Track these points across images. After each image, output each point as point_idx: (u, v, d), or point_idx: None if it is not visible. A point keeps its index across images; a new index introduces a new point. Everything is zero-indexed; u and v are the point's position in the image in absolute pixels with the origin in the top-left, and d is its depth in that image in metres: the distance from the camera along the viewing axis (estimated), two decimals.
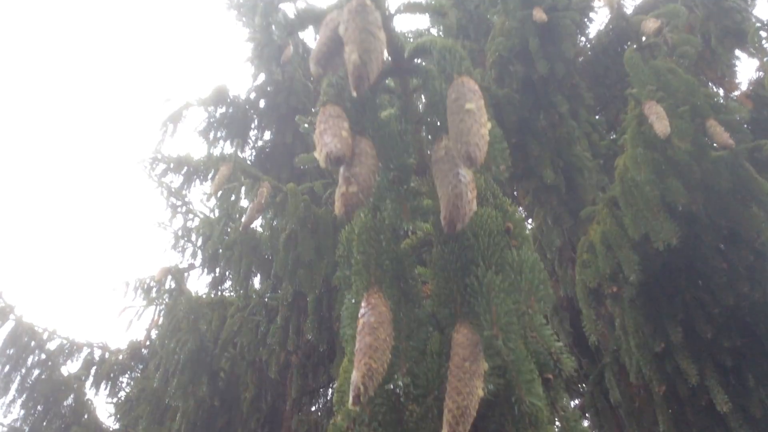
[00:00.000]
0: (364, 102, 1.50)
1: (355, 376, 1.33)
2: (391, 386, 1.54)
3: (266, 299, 5.58)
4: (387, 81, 1.71)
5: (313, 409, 6.48)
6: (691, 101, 3.23)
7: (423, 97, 1.67)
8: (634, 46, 3.44)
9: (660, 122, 2.81)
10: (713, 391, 3.17)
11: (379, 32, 1.26)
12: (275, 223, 4.55)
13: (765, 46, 4.59)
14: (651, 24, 3.27)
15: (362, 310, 1.46)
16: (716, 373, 3.29)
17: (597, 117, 5.54)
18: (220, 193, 5.73)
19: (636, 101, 3.10)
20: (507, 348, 1.46)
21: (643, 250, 3.50)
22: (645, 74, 3.17)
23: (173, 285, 6.27)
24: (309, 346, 5.50)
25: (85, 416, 6.54)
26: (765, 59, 4.83)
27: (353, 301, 1.64)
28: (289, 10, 6.96)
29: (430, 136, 1.50)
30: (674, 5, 3.39)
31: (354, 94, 1.17)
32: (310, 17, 1.47)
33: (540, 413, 1.57)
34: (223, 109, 7.04)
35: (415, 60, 1.65)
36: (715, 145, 3.24)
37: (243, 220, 4.32)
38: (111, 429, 6.44)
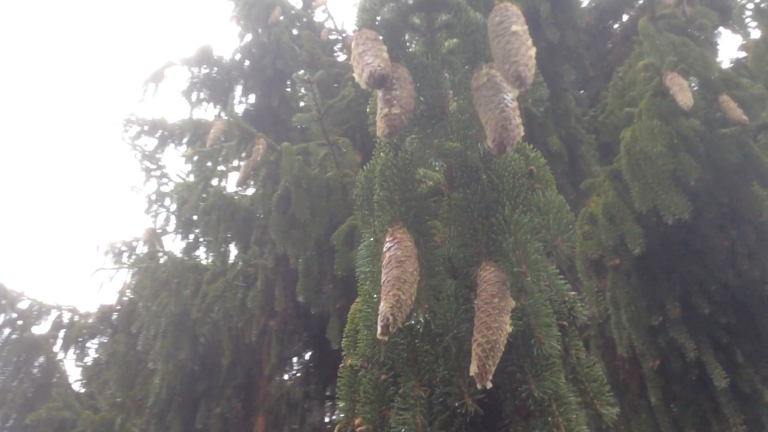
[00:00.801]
0: (396, 28, 1.44)
1: (383, 307, 1.29)
2: (412, 322, 1.50)
3: (247, 266, 5.48)
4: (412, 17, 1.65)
5: (286, 378, 6.46)
6: (704, 75, 3.20)
7: (450, 35, 1.62)
8: (647, 17, 3.39)
9: (683, 94, 2.78)
10: (710, 365, 3.18)
11: None
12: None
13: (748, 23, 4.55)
14: None
15: (387, 245, 1.42)
16: (711, 348, 3.30)
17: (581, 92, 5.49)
18: (196, 158, 5.65)
19: (655, 71, 3.06)
20: (535, 286, 1.43)
21: (642, 224, 3.49)
22: (661, 45, 3.13)
23: (151, 248, 6.15)
24: (285, 314, 5.45)
25: (57, 376, 6.47)
26: (748, 38, 4.77)
27: (372, 239, 1.60)
28: None
29: (467, 66, 1.44)
30: None
31: None
32: None
33: (557, 357, 1.55)
34: (207, 70, 6.83)
35: None
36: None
37: (238, 177, 4.25)
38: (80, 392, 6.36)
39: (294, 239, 4.39)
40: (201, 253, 6.70)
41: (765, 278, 3.41)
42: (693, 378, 3.42)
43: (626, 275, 3.67)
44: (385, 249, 1.41)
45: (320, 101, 4.45)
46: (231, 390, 5.71)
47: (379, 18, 1.46)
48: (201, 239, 6.84)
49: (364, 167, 1.67)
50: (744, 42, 4.51)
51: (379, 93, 1.29)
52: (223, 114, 6.78)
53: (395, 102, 1.26)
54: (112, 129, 6.57)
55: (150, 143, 6.78)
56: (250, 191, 5.74)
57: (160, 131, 6.80)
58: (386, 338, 1.27)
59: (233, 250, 5.95)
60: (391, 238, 1.42)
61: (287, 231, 4.38)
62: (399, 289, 1.31)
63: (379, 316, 1.29)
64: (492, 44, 1.24)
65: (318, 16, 7.13)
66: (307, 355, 6.38)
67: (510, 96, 1.21)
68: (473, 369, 1.32)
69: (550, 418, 1.49)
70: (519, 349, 1.53)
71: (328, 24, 6.46)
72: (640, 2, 5.68)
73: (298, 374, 6.46)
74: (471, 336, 1.54)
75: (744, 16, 4.50)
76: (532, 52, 1.17)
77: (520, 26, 1.21)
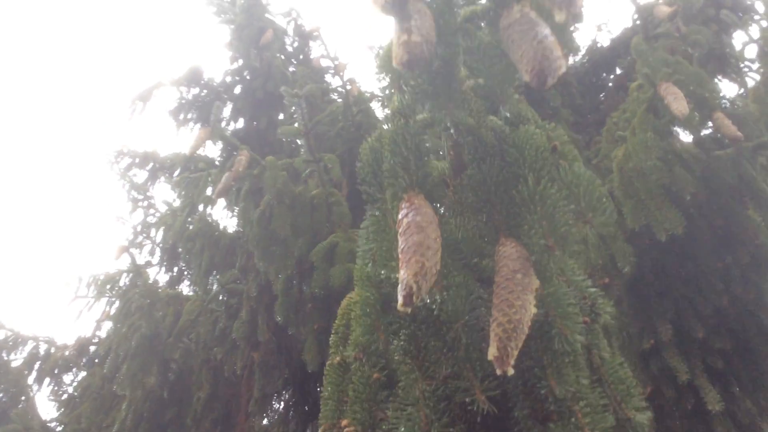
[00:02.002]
0: None
1: (405, 274, 1.12)
2: (427, 300, 1.34)
3: (227, 292, 5.29)
4: None
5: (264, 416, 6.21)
6: (698, 93, 3.15)
7: None
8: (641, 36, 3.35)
9: (678, 102, 2.71)
10: (704, 389, 3.04)
11: None
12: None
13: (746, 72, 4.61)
14: (665, 8, 3.20)
15: (404, 211, 1.25)
16: (705, 373, 3.17)
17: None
18: (185, 183, 5.51)
19: (648, 83, 2.99)
20: (562, 264, 1.29)
21: (634, 245, 3.39)
22: (655, 59, 3.08)
23: (129, 268, 5.93)
24: (267, 347, 5.26)
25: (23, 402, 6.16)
26: (745, 86, 4.83)
27: (378, 213, 1.44)
28: None
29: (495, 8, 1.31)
30: None
31: None
32: None
33: (579, 353, 1.40)
34: (197, 90, 6.75)
35: None
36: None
37: (218, 187, 4.06)
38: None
39: (274, 256, 4.20)
40: (184, 287, 6.61)
41: (760, 304, 3.32)
42: (688, 407, 3.28)
43: (617, 301, 3.56)
44: (400, 216, 1.25)
45: (307, 116, 4.32)
46: (208, 423, 5.46)
47: None
48: (185, 272, 6.71)
49: (369, 138, 1.53)
50: (741, 90, 4.55)
51: (396, 23, 1.14)
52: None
53: (415, 30, 1.12)
54: (102, 160, 6.45)
55: (140, 175, 6.74)
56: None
57: (152, 163, 6.69)
58: (408, 310, 1.09)
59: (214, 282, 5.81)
60: (408, 204, 1.26)
61: (268, 248, 4.20)
62: (422, 255, 1.14)
63: (399, 285, 1.12)
64: None
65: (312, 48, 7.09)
66: (287, 394, 6.15)
67: (548, 30, 1.08)
68: (492, 352, 1.15)
69: (573, 420, 1.34)
70: (536, 342, 1.38)
71: (321, 50, 6.40)
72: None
73: (277, 414, 6.21)
74: (483, 325, 1.39)
75: (742, 65, 4.55)
76: None
77: None
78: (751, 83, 4.53)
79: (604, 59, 6.31)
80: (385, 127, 1.54)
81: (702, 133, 3.34)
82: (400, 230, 1.23)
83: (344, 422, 1.50)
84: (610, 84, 6.31)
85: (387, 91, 1.62)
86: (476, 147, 1.52)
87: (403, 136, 1.39)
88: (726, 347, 3.27)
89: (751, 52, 4.55)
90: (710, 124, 3.20)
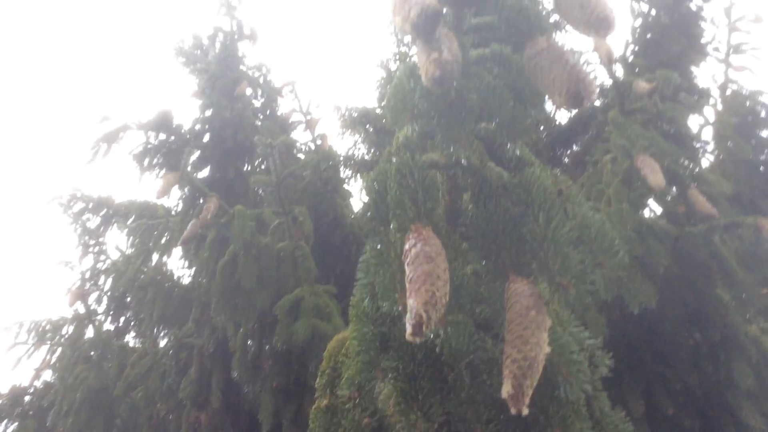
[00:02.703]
0: None
1: (414, 303, 1.05)
2: (431, 336, 1.26)
3: (179, 347, 5.07)
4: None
5: None
6: (673, 168, 3.22)
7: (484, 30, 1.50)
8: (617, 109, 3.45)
9: (655, 175, 2.76)
10: None
11: None
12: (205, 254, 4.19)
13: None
14: (644, 84, 3.31)
15: (411, 241, 1.20)
16: None
17: None
18: (141, 229, 5.37)
19: (625, 154, 3.05)
20: (561, 314, 1.24)
21: (606, 316, 3.38)
22: (632, 132, 3.15)
23: (75, 315, 5.65)
24: (214, 407, 5.02)
25: None
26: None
27: (379, 246, 1.38)
28: (245, 48, 6.77)
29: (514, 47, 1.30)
30: (667, 71, 3.48)
31: None
32: None
33: (583, 404, 1.34)
34: (164, 136, 6.63)
35: None
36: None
37: (184, 234, 3.94)
38: None
39: (236, 309, 4.06)
40: (130, 339, 6.35)
41: (729, 383, 3.31)
42: None
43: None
44: (407, 247, 1.19)
45: (280, 167, 4.28)
46: None
47: None
48: (132, 323, 6.45)
49: (373, 171, 1.48)
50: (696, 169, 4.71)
51: (422, 43, 1.12)
52: None
53: (445, 49, 1.09)
54: (54, 203, 6.22)
55: (93, 220, 6.49)
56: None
57: (106, 209, 6.51)
58: (418, 340, 1.03)
59: (165, 335, 5.59)
60: (416, 235, 1.21)
61: (230, 300, 4.05)
62: (432, 284, 1.08)
63: (408, 314, 1.05)
64: (563, 3, 1.10)
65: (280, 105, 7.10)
66: None
67: (579, 57, 1.07)
68: (506, 389, 1.08)
69: None
70: (541, 388, 1.31)
71: (294, 104, 6.40)
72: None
73: None
74: (487, 365, 1.32)
75: (697, 144, 4.73)
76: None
77: None
78: (704, 163, 4.74)
79: (561, 136, 6.47)
80: (388, 162, 1.49)
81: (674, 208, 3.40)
82: (407, 260, 1.18)
83: None
84: (566, 159, 6.46)
85: (354, 149, 1.59)
86: (480, 187, 1.49)
87: (410, 169, 1.35)
88: (695, 426, 3.23)
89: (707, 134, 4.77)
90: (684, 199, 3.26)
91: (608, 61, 3.22)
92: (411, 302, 1.07)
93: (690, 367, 3.30)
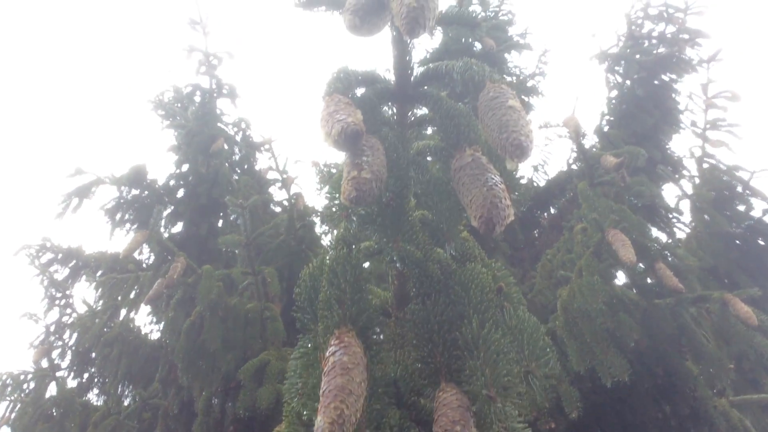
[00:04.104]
0: (372, 104, 1.29)
1: (321, 421, 1.01)
2: None
3: (145, 405, 4.93)
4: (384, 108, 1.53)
5: None
6: (641, 241, 3.21)
7: (425, 126, 1.49)
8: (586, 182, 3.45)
9: (626, 249, 2.74)
10: None
11: None
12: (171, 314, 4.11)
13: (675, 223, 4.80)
14: (611, 159, 3.32)
15: (332, 349, 1.16)
16: None
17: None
18: (110, 284, 5.27)
19: (596, 227, 3.04)
20: (505, 415, 1.19)
21: (578, 388, 3.31)
22: (602, 205, 3.15)
23: (37, 371, 5.49)
24: None
25: None
26: (674, 237, 5.00)
27: (310, 346, 1.34)
28: (224, 105, 6.79)
29: (446, 152, 1.28)
30: (634, 147, 3.50)
31: (407, 38, 0.97)
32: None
33: None
34: (137, 192, 6.56)
35: (423, 87, 1.48)
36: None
37: (149, 293, 3.87)
38: None
39: (200, 371, 3.95)
40: (93, 396, 6.15)
41: None
42: None
43: None
44: (328, 353, 1.15)
45: (250, 227, 4.24)
46: None
47: (351, 94, 1.31)
48: (95, 379, 6.28)
49: (310, 264, 1.45)
50: (669, 240, 4.71)
51: (348, 158, 1.10)
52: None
53: (366, 167, 1.07)
54: (22, 253, 6.10)
55: (62, 272, 6.30)
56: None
57: (75, 261, 6.39)
58: None
59: (129, 394, 5.43)
60: (337, 341, 1.17)
61: (194, 361, 3.95)
62: (342, 401, 1.04)
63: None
64: (486, 118, 1.09)
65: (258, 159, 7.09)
66: None
67: (498, 177, 1.05)
68: None
69: None
70: None
71: (270, 162, 6.39)
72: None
73: None
74: None
75: (671, 216, 4.74)
76: (531, 126, 1.04)
77: (516, 102, 1.08)
78: (679, 234, 4.74)
79: (539, 198, 6.50)
80: (328, 254, 1.46)
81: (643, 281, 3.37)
82: (325, 369, 1.13)
83: None
84: (544, 222, 6.49)
85: (333, 215, 1.56)
86: (422, 280, 1.45)
87: (344, 267, 1.32)
88: None
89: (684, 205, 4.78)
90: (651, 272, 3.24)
91: (576, 135, 3.23)
92: (319, 419, 1.03)
93: None
